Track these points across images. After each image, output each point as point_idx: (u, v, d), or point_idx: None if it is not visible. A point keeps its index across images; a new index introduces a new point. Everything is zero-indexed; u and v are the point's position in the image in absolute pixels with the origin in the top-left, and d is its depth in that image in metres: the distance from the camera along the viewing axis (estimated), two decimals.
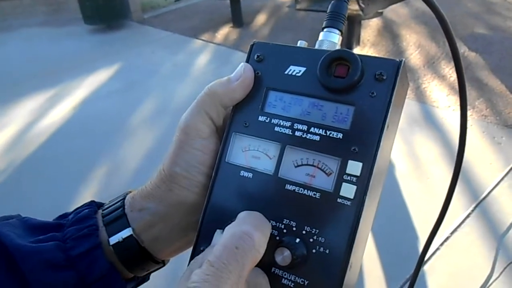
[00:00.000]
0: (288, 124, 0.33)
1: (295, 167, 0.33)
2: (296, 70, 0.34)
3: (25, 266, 0.33)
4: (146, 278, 0.40)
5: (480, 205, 2.01)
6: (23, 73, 4.06)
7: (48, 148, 2.86)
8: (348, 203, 0.30)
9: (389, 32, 4.20)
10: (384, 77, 0.31)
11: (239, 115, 0.35)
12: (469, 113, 2.77)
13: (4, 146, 2.92)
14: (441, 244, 1.82)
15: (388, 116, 0.31)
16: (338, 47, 0.36)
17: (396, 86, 0.31)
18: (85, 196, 2.33)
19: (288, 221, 0.32)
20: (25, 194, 2.40)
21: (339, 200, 0.30)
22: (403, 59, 0.32)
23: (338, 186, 0.31)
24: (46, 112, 3.33)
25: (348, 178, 0.31)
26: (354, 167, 0.30)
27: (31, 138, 2.98)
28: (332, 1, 0.38)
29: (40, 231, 0.36)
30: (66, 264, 0.34)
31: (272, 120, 0.34)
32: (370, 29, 4.27)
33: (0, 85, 3.86)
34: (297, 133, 0.33)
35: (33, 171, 2.63)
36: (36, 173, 2.60)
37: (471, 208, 1.99)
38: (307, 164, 0.32)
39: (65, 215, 0.39)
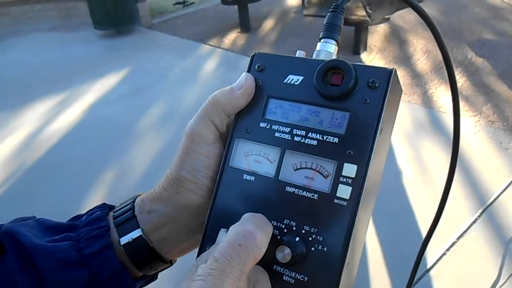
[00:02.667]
0: (287, 129, 0.35)
1: (295, 170, 0.34)
2: (294, 79, 0.37)
3: (42, 264, 0.35)
4: (154, 277, 0.42)
5: (487, 210, 2.00)
6: (33, 78, 4.13)
7: (58, 151, 2.90)
8: (344, 203, 0.32)
9: (396, 37, 4.20)
10: (377, 85, 0.33)
11: (242, 122, 0.37)
12: (476, 118, 2.76)
13: (15, 150, 2.97)
14: (448, 249, 1.82)
15: (381, 121, 0.33)
16: (334, 56, 0.39)
17: (388, 93, 0.33)
18: (94, 198, 2.36)
19: (288, 221, 0.33)
20: (35, 196, 2.44)
21: (336, 200, 0.32)
22: (394, 68, 0.34)
23: (334, 188, 0.33)
24: (56, 116, 3.38)
25: (344, 179, 0.32)
26: (350, 169, 0.32)
27: (41, 142, 3.02)
28: (328, 13, 0.40)
29: (55, 232, 0.39)
30: (79, 263, 0.36)
31: (273, 126, 0.36)
32: (377, 34, 4.28)
33: (11, 90, 3.93)
34: (296, 138, 0.35)
35: (43, 174, 2.67)
36: (46, 176, 2.64)
37: (477, 214, 1.98)
38: (305, 167, 0.34)
39: (78, 217, 0.41)
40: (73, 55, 4.71)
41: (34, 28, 5.80)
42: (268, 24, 5.15)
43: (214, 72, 4.02)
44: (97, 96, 3.66)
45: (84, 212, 0.41)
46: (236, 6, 4.86)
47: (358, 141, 0.33)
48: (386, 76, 0.33)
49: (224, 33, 4.92)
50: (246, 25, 4.89)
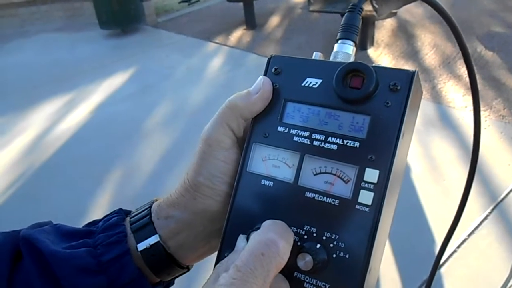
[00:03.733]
0: (306, 134, 0.35)
1: (314, 175, 0.34)
2: (312, 82, 0.36)
3: (60, 271, 0.35)
4: (171, 283, 0.42)
5: (498, 206, 1.98)
6: (40, 78, 4.15)
7: (65, 152, 2.92)
8: (366, 209, 0.31)
9: (404, 32, 4.16)
10: (398, 88, 0.32)
11: (259, 126, 0.37)
12: (486, 113, 2.73)
13: (23, 150, 2.99)
14: (458, 247, 1.80)
15: (403, 124, 0.32)
16: (352, 58, 0.38)
17: (410, 96, 0.32)
18: (102, 198, 2.37)
19: (308, 227, 0.33)
20: (43, 197, 2.45)
21: (357, 206, 0.31)
22: (417, 70, 0.33)
23: (356, 193, 0.32)
24: (63, 116, 3.40)
25: (366, 185, 0.32)
26: (372, 175, 0.31)
27: (49, 142, 3.04)
28: (346, 13, 0.39)
29: (72, 238, 0.38)
30: (97, 269, 0.36)
31: (291, 130, 0.35)
32: (384, 29, 4.24)
33: (18, 90, 3.96)
34: (315, 143, 0.34)
35: (51, 174, 2.69)
36: (54, 177, 2.65)
37: (489, 210, 1.96)
38: (325, 172, 0.33)
39: (94, 222, 0.41)
40: (80, 55, 4.73)
41: (40, 28, 5.83)
42: (274, 20, 5.13)
43: (220, 70, 4.02)
44: (103, 95, 3.67)
45: (91, 214, 0.40)
46: (241, 3, 4.85)
47: (380, 145, 0.32)
48: (408, 79, 0.32)
49: (230, 31, 4.91)
50: (251, 22, 4.88)
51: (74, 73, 4.20)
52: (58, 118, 3.37)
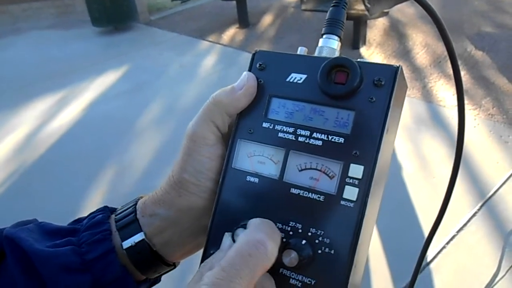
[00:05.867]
0: (291, 129, 0.35)
1: (299, 171, 0.34)
2: (297, 77, 0.36)
3: (43, 270, 0.35)
4: (157, 280, 0.42)
5: (487, 203, 2.01)
6: (32, 76, 4.12)
7: (58, 149, 2.90)
8: (351, 205, 0.31)
9: (395, 31, 4.18)
10: (383, 83, 0.32)
11: (244, 122, 0.37)
12: (475, 112, 2.76)
13: (15, 148, 2.97)
14: (447, 243, 1.83)
15: (388, 120, 0.32)
16: (337, 53, 0.37)
17: (394, 91, 0.32)
18: (94, 196, 2.37)
19: (294, 223, 0.33)
20: (35, 194, 2.44)
21: (342, 202, 0.32)
22: (400, 65, 0.33)
23: (341, 189, 0.32)
24: (56, 114, 3.37)
25: (351, 181, 0.32)
26: (356, 170, 0.32)
27: (41, 140, 3.02)
28: (330, 8, 0.39)
29: (56, 236, 0.38)
30: (81, 268, 0.35)
31: (276, 126, 0.35)
32: (376, 28, 4.26)
33: (10, 88, 3.92)
34: (300, 138, 0.34)
35: (43, 172, 2.67)
36: (46, 174, 2.64)
37: (477, 207, 1.99)
38: (310, 168, 0.33)
39: (79, 220, 0.40)
40: (72, 53, 4.69)
41: (32, 25, 5.78)
42: (267, 19, 5.12)
43: (213, 68, 4.01)
44: (96, 93, 3.65)
45: (84, 212, 0.40)
46: (234, 2, 4.84)
47: (364, 141, 0.32)
48: (392, 74, 0.33)
49: (223, 29, 4.90)
50: (244, 20, 4.87)
51: (67, 70, 4.17)
52: (50, 116, 3.35)
